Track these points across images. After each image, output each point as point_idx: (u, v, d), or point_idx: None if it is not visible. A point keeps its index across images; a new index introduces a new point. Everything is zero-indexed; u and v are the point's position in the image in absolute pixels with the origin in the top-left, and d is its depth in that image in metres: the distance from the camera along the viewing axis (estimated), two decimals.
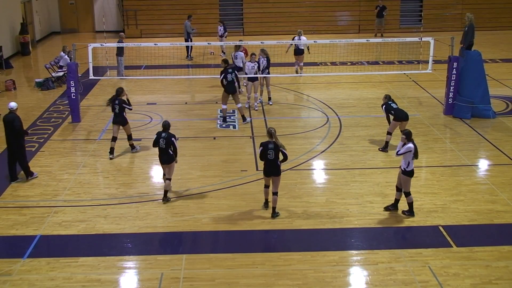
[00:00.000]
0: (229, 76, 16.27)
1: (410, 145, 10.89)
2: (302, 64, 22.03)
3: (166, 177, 11.86)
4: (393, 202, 11.37)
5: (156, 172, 13.13)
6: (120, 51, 21.77)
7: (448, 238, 10.39)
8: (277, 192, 11.15)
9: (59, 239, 10.57)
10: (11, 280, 9.27)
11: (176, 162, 11.90)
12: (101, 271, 9.50)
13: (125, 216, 11.31)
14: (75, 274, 9.39)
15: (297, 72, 21.96)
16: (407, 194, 11.08)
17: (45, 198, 12.17)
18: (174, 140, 11.66)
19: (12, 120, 12.68)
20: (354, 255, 9.95)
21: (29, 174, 13.05)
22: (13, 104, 12.93)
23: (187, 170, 13.43)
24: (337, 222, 11.02)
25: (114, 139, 14.24)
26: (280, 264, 9.65)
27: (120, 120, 14.20)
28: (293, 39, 22.16)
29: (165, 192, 11.89)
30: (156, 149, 11.94)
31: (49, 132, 16.11)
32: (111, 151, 14.26)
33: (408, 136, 10.99)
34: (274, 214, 11.18)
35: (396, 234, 10.74)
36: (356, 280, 9.29)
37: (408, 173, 10.94)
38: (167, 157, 11.72)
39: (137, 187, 12.67)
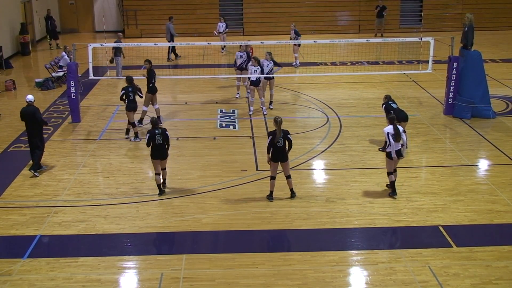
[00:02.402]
0: (156, 77, 16.51)
1: (385, 128, 11.73)
2: (296, 55, 23.55)
3: (162, 168, 12.20)
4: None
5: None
6: (118, 52, 21.64)
7: (448, 238, 10.39)
8: (290, 175, 11.89)
9: (59, 239, 10.57)
10: (11, 280, 9.27)
11: (167, 156, 12.30)
12: (101, 271, 9.50)
13: (125, 216, 11.32)
14: (75, 274, 9.39)
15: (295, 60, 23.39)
16: (388, 174, 11.85)
17: (45, 198, 12.18)
18: (168, 133, 12.09)
19: (33, 113, 13.12)
20: (354, 255, 9.95)
21: (35, 169, 13.16)
22: (30, 97, 13.36)
23: (187, 170, 13.43)
24: (337, 222, 11.02)
25: (132, 124, 15.46)
26: (280, 264, 9.65)
27: (135, 106, 15.34)
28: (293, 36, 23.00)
29: (164, 180, 12.35)
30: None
31: (49, 132, 16.09)
32: (133, 133, 15.45)
33: (389, 120, 11.80)
34: (293, 194, 11.93)
35: (396, 234, 10.74)
36: (356, 280, 9.29)
37: (386, 154, 11.72)
38: (163, 152, 12.04)
39: (137, 187, 12.67)
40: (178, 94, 20.20)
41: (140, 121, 16.47)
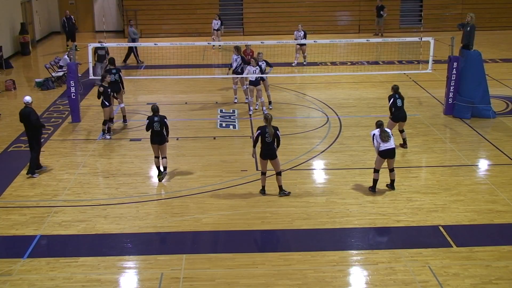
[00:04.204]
0: (112, 76, 16.41)
1: (372, 131, 12.05)
2: (305, 54, 23.69)
3: (162, 156, 12.82)
4: (389, 182, 12.42)
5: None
6: (100, 58, 20.76)
7: (448, 238, 10.39)
8: (280, 172, 11.96)
9: (59, 239, 10.57)
10: (11, 280, 9.27)
11: (167, 142, 12.89)
12: (101, 271, 9.50)
13: (125, 216, 11.32)
14: (75, 274, 9.39)
15: (297, 59, 23.62)
16: (374, 171, 12.11)
17: (45, 198, 12.18)
18: (167, 121, 12.70)
19: (28, 114, 13.02)
20: (354, 255, 9.95)
21: (32, 172, 13.11)
22: (28, 98, 13.26)
23: (187, 170, 13.43)
24: (337, 222, 11.02)
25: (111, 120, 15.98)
26: (280, 264, 9.65)
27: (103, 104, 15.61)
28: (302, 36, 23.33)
29: (164, 168, 12.87)
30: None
31: (49, 132, 16.11)
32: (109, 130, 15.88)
33: (377, 126, 12.03)
34: (281, 192, 12.01)
35: (396, 234, 10.74)
36: (356, 280, 9.29)
37: (379, 153, 11.94)
38: (161, 138, 12.68)
39: (137, 187, 12.67)
40: (178, 94, 20.19)
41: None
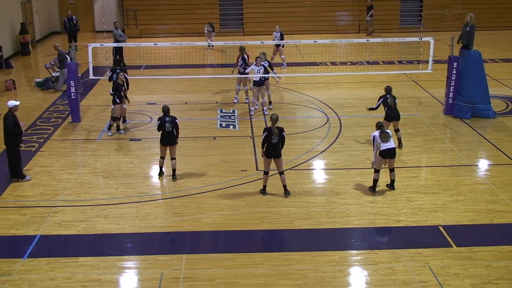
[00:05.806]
0: (114, 76, 16.40)
1: (372, 133, 12.12)
2: (283, 57, 23.48)
3: (171, 157, 12.82)
4: (389, 182, 12.42)
5: (156, 172, 13.13)
6: (63, 64, 20.17)
7: (448, 238, 10.39)
8: (283, 172, 12.01)
9: (59, 239, 10.57)
10: (11, 280, 9.27)
11: (177, 143, 12.90)
12: (101, 271, 9.50)
13: (125, 216, 11.32)
14: (75, 274, 9.39)
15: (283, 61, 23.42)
16: (374, 171, 12.14)
17: (45, 198, 12.18)
18: (178, 122, 12.80)
19: (5, 119, 12.72)
20: (354, 255, 9.95)
21: (21, 176, 12.91)
22: (9, 103, 12.85)
23: (187, 170, 13.43)
24: (337, 222, 11.02)
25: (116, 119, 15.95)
26: (280, 264, 9.65)
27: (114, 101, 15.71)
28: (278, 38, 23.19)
29: (173, 170, 12.86)
30: (157, 145, 12.88)
31: (49, 132, 16.11)
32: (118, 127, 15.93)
33: (377, 127, 12.14)
34: (287, 192, 12.02)
35: (396, 234, 10.74)
36: (356, 280, 9.29)
37: (379, 153, 11.97)
38: (171, 139, 12.71)
39: (137, 187, 12.67)
40: (178, 94, 20.20)
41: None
